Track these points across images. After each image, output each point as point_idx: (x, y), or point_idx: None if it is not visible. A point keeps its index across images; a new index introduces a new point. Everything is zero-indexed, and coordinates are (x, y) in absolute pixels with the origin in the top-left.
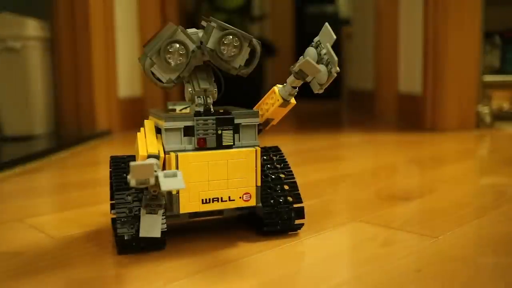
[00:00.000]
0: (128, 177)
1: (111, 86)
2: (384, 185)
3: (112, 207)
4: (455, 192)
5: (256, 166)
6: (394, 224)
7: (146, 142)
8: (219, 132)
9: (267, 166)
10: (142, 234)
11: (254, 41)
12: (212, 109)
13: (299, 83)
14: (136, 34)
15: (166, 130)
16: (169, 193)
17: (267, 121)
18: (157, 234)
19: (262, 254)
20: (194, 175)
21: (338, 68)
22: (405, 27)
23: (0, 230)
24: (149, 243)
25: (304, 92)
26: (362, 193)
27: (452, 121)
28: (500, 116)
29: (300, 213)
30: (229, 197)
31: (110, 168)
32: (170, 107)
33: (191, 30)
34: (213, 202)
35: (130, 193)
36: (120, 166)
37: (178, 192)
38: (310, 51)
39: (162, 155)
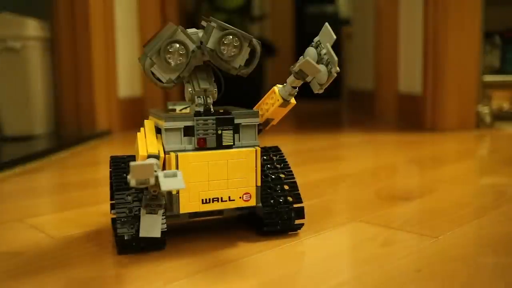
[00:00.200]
0: (128, 177)
1: (111, 86)
2: (384, 185)
3: (112, 207)
4: (455, 192)
5: (256, 166)
6: (394, 224)
7: (146, 142)
8: (219, 132)
9: (267, 166)
10: (142, 234)
11: (254, 41)
12: (212, 109)
13: (299, 83)
14: (136, 34)
15: (166, 130)
16: (169, 193)
17: (267, 121)
18: (157, 234)
19: (262, 254)
20: (194, 175)
21: (338, 68)
22: (405, 27)
23: (0, 230)
24: (149, 243)
25: (304, 92)
26: (362, 193)
27: (452, 121)
28: (500, 116)
29: (300, 213)
30: (229, 197)
31: (110, 168)
32: (170, 107)
33: (191, 30)
34: (213, 202)
35: (130, 193)
36: (120, 166)
37: (178, 192)
38: (310, 51)
39: (162, 155)
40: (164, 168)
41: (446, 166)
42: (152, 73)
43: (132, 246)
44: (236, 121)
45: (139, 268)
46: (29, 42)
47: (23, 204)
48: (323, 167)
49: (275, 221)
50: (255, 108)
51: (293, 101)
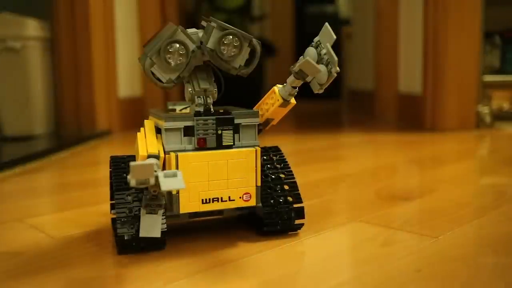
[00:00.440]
0: (128, 177)
1: (111, 86)
2: (384, 185)
3: (112, 207)
4: (455, 192)
5: (256, 166)
6: (394, 224)
7: (146, 142)
8: (219, 132)
9: (267, 166)
10: (142, 234)
11: (254, 41)
12: (212, 109)
13: (299, 83)
14: (136, 34)
15: (166, 130)
16: (169, 193)
17: (267, 121)
18: (157, 234)
19: (262, 254)
20: (194, 175)
21: (338, 68)
22: (405, 27)
23: (0, 230)
24: (149, 243)
25: (304, 92)
26: (362, 193)
27: (452, 121)
28: (500, 116)
29: (300, 213)
30: (229, 197)
31: (110, 168)
32: (170, 107)
33: (191, 30)
34: (213, 202)
35: (130, 193)
36: (120, 166)
37: (178, 192)
38: (310, 51)
39: (162, 155)
40: (164, 168)
41: (446, 166)
42: (152, 73)
43: (132, 246)
44: (236, 121)
45: (139, 268)
46: (29, 42)
47: (23, 204)
48: (323, 167)
49: (275, 221)
50: (255, 108)
51: (293, 101)
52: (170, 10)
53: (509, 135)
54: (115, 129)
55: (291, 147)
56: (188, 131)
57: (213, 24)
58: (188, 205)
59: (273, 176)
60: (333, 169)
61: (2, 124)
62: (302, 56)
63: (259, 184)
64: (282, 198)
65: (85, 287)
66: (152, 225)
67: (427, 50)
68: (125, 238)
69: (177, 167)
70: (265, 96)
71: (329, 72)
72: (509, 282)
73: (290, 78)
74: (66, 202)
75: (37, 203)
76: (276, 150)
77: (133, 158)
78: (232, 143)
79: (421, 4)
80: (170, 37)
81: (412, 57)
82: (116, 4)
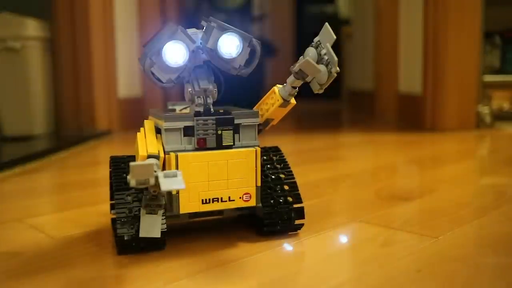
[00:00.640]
0: (128, 177)
1: (111, 86)
2: (384, 185)
3: (112, 207)
4: (455, 192)
5: (256, 166)
6: (394, 224)
7: (146, 142)
8: (219, 132)
9: (267, 166)
10: (142, 234)
11: (254, 41)
12: (212, 109)
13: (299, 83)
14: (136, 34)
15: (166, 130)
16: (169, 193)
17: (267, 121)
18: (157, 234)
19: (262, 254)
20: (194, 175)
21: (338, 68)
22: (405, 27)
23: (0, 230)
24: (149, 243)
25: (304, 92)
26: (362, 193)
27: (452, 121)
28: (500, 116)
29: (300, 213)
30: (229, 197)
31: (110, 168)
32: (170, 107)
33: (191, 30)
34: (213, 202)
35: (130, 193)
36: (120, 166)
37: (178, 192)
38: (310, 51)
39: (162, 155)
40: (164, 168)
41: (446, 166)
42: (152, 73)
43: (132, 246)
44: (236, 121)
45: (139, 268)
46: (29, 42)
47: (23, 204)
48: (323, 167)
49: (275, 221)
50: (255, 108)
51: (293, 101)
52: (170, 10)
53: (509, 135)
54: (115, 129)
55: (291, 147)
56: (188, 131)
57: (213, 24)
58: (188, 205)
59: (273, 176)
60: (333, 169)
61: (2, 124)
62: (302, 56)
63: (259, 184)
64: (282, 198)
65: (85, 287)
66: (152, 225)
67: (427, 50)
68: (125, 238)
69: (177, 167)
70: (265, 96)
71: (329, 72)
72: (510, 282)
73: (290, 78)
74: (66, 202)
75: (37, 203)
76: (276, 150)
77: (133, 158)
78: (232, 143)
79: (421, 4)
80: (170, 37)
81: (412, 57)
82: (116, 4)
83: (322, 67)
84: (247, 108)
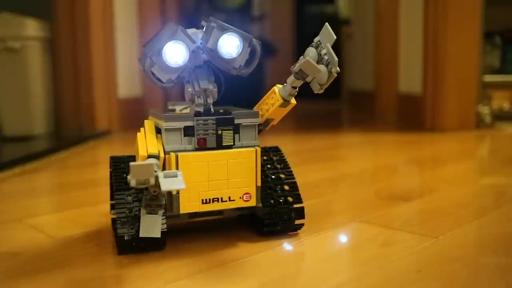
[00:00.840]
0: (128, 177)
1: (111, 86)
2: (384, 185)
3: (112, 207)
4: (455, 192)
5: (256, 166)
6: (394, 224)
7: (146, 142)
8: (219, 132)
9: (267, 166)
10: (142, 234)
11: (254, 41)
12: (212, 109)
13: (299, 83)
14: (136, 34)
15: (166, 130)
16: (169, 193)
17: (267, 121)
18: (157, 234)
19: (262, 254)
20: (194, 175)
21: (338, 69)
22: (405, 27)
23: (0, 230)
24: (149, 243)
25: (304, 92)
26: (362, 193)
27: (452, 121)
28: (500, 116)
29: (300, 213)
30: (229, 197)
31: (110, 168)
32: (170, 107)
33: (191, 30)
34: (213, 202)
35: (130, 193)
36: (120, 166)
37: (178, 192)
38: (310, 51)
39: (162, 155)
40: (164, 168)
41: (446, 166)
42: (152, 73)
43: (132, 246)
44: (236, 121)
45: (140, 268)
46: (29, 42)
47: (23, 204)
48: (323, 167)
49: (275, 221)
50: (255, 108)
51: (293, 101)
52: (170, 10)
53: (509, 135)
54: (115, 129)
55: (291, 147)
56: (188, 131)
57: (213, 24)
58: (188, 205)
59: (273, 176)
60: (333, 169)
61: (2, 124)
62: (302, 56)
63: (259, 184)
64: (282, 198)
65: (85, 287)
66: (152, 225)
67: (427, 50)
68: (125, 238)
69: (177, 167)
70: (265, 96)
71: (329, 72)
72: (510, 282)
73: (290, 78)
74: (66, 202)
75: (37, 203)
76: (276, 150)
77: (133, 158)
78: (232, 143)
79: (421, 4)
80: (170, 37)
81: (412, 57)
82: (116, 4)
83: (322, 67)
84: (246, 108)
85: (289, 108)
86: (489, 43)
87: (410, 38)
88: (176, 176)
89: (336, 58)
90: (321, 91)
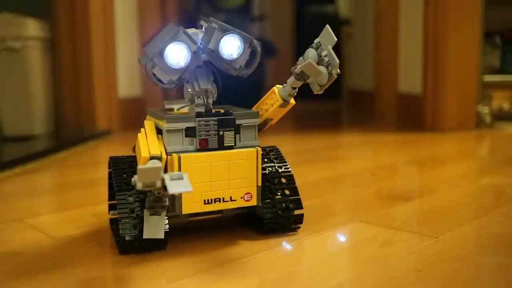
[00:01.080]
0: (134, 180)
1: (111, 86)
2: (384, 185)
3: (110, 207)
4: (455, 192)
5: (257, 166)
6: (394, 224)
7: (148, 143)
8: (221, 133)
9: (265, 165)
10: (146, 235)
11: (255, 42)
12: (212, 110)
13: (299, 84)
14: (136, 34)
15: (168, 131)
16: (172, 194)
17: (266, 121)
18: (161, 235)
19: (262, 254)
20: (197, 176)
21: (338, 70)
22: (405, 27)
23: (0, 230)
24: (152, 243)
25: (304, 92)
26: (362, 193)
27: (452, 121)
28: (500, 116)
29: (299, 211)
30: (231, 197)
31: (109, 169)
32: (167, 106)
33: (191, 31)
34: (215, 202)
35: (132, 194)
36: (119, 166)
37: (180, 193)
38: (311, 52)
39: (164, 156)
40: (166, 169)
41: (446, 166)
42: (153, 74)
43: (134, 247)
44: (237, 121)
45: (141, 267)
46: (29, 42)
47: (23, 204)
48: (323, 167)
49: (275, 221)
50: (254, 108)
51: (292, 101)
52: (170, 10)
53: (509, 135)
54: (115, 129)
55: (291, 147)
56: (189, 132)
57: (214, 25)
58: (190, 205)
59: (271, 170)
60: (333, 169)
61: (2, 124)
62: (302, 57)
63: (259, 184)
64: (282, 198)
65: (86, 287)
66: (155, 227)
67: (427, 50)
68: (127, 238)
69: (179, 169)
70: (265, 96)
71: (330, 74)
72: (510, 282)
73: (291, 79)
74: (66, 202)
75: (37, 203)
76: (275, 150)
77: (133, 158)
78: (233, 144)
79: (421, 4)
80: (171, 38)
81: (412, 57)
82: (116, 4)
83: (322, 69)
84: (245, 107)
85: (288, 108)
86: (489, 43)
87: (410, 38)
88: (182, 178)
89: (337, 60)
90: (321, 92)
